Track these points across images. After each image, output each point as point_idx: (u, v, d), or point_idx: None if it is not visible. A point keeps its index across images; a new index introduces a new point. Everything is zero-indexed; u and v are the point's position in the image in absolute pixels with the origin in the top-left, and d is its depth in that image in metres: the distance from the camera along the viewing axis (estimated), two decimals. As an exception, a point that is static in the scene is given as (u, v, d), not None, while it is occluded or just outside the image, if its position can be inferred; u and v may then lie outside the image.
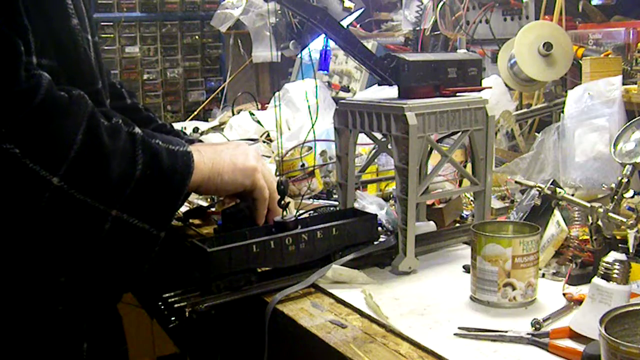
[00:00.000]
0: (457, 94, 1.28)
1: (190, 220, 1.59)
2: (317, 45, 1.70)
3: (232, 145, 1.25)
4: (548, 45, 1.75)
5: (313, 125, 1.45)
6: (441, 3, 2.29)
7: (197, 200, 1.67)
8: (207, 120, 3.00)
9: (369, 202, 1.43)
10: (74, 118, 0.90)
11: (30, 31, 0.91)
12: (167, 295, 1.10)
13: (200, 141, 1.52)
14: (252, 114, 2.36)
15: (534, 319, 0.97)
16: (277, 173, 1.27)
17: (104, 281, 1.01)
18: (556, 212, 1.22)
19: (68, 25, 0.99)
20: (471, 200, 1.50)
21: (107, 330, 1.11)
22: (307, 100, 1.51)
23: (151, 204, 0.98)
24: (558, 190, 1.24)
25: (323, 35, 1.34)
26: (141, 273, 1.01)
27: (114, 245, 0.96)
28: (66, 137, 0.88)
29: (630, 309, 0.78)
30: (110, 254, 0.97)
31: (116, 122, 0.96)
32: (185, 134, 1.82)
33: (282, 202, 1.24)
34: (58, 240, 0.92)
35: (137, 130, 0.99)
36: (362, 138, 1.39)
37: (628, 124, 1.23)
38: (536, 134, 1.82)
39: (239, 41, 3.33)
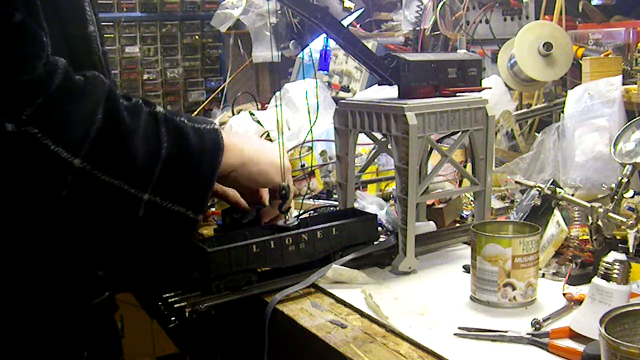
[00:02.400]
0: (457, 94, 1.28)
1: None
2: (317, 45, 1.70)
3: (259, 141, 1.22)
4: (548, 45, 1.75)
5: (312, 125, 1.45)
6: (441, 3, 2.28)
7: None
8: (207, 120, 2.99)
9: (369, 202, 1.43)
10: (92, 97, 0.88)
11: (48, 35, 0.91)
12: (167, 295, 1.10)
13: None
14: (252, 114, 2.36)
15: (534, 319, 0.97)
16: (282, 182, 1.26)
17: (144, 272, 0.99)
18: (556, 212, 1.22)
19: (85, 32, 0.99)
20: (471, 200, 1.50)
21: (106, 339, 1.10)
22: (307, 101, 1.50)
23: (184, 185, 0.95)
24: (558, 190, 1.24)
25: (323, 35, 1.35)
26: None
27: (150, 233, 0.93)
28: (85, 117, 0.86)
29: (630, 309, 0.78)
30: (147, 242, 0.94)
31: (136, 102, 0.94)
32: None
33: (284, 206, 1.24)
34: (91, 229, 0.90)
35: (159, 109, 0.97)
36: (362, 138, 1.39)
37: (628, 124, 1.23)
38: (536, 134, 1.82)
39: (239, 41, 3.33)
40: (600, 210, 1.13)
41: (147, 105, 0.96)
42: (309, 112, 1.39)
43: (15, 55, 0.83)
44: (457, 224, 1.47)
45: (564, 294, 1.07)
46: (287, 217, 1.24)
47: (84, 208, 0.88)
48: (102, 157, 0.87)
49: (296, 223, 1.22)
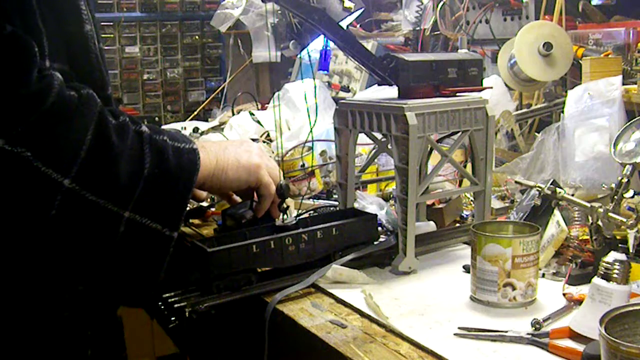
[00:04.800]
0: (457, 94, 1.28)
1: (190, 220, 1.59)
2: (317, 45, 1.70)
3: (236, 143, 1.25)
4: (548, 45, 1.75)
5: (312, 125, 1.45)
6: (441, 3, 2.29)
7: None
8: (207, 120, 3.00)
9: (369, 202, 1.43)
10: (84, 118, 0.90)
11: (44, 34, 0.91)
12: (167, 295, 1.10)
13: None
14: (252, 114, 2.36)
15: (534, 319, 0.97)
16: (281, 181, 1.27)
17: (121, 288, 1.00)
18: (556, 212, 1.22)
19: (81, 31, 0.99)
20: (471, 200, 1.50)
21: (109, 336, 1.11)
22: (306, 101, 1.51)
23: (161, 203, 0.97)
24: (558, 190, 1.24)
25: (323, 35, 1.34)
26: (157, 280, 1.00)
27: (129, 250, 0.95)
28: (76, 138, 0.88)
29: (630, 309, 0.78)
30: (127, 259, 0.96)
31: (123, 120, 0.96)
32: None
33: (282, 205, 1.24)
34: (74, 246, 0.92)
35: (144, 128, 0.99)
36: (362, 138, 1.39)
37: (628, 124, 1.23)
38: (536, 134, 1.82)
39: (239, 41, 3.33)
40: (600, 210, 1.13)
41: (134, 123, 0.98)
42: (308, 113, 1.39)
43: (6, 70, 0.83)
44: (457, 224, 1.47)
45: (564, 294, 1.07)
46: (286, 216, 1.24)
47: (70, 225, 0.90)
48: (90, 178, 0.89)
49: (294, 222, 1.22)
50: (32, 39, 0.88)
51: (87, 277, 0.96)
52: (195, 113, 3.20)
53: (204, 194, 1.43)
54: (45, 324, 0.96)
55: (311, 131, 1.47)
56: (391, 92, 1.28)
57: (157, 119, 3.32)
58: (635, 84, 1.57)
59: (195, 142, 1.08)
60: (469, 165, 1.45)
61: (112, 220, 0.92)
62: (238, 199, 1.34)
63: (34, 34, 0.89)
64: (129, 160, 0.94)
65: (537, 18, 1.99)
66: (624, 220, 1.10)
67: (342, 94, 2.54)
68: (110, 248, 0.93)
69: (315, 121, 1.45)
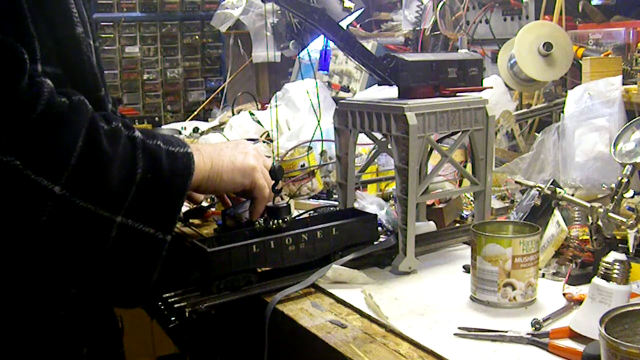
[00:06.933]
0: (457, 94, 1.28)
1: (190, 220, 1.59)
2: (317, 45, 1.70)
3: (232, 144, 1.25)
4: (548, 45, 1.75)
5: (319, 122, 1.45)
6: (441, 3, 2.29)
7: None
8: (207, 120, 3.00)
9: (369, 202, 1.43)
10: (74, 125, 0.90)
11: (36, 39, 0.91)
12: (167, 295, 1.10)
13: None
14: (252, 114, 2.36)
15: (534, 319, 0.97)
16: (273, 162, 1.28)
17: (114, 290, 1.01)
18: (556, 212, 1.22)
19: (73, 33, 0.99)
20: (471, 200, 1.50)
21: (106, 334, 1.11)
22: (310, 100, 1.51)
23: (154, 208, 0.98)
24: (558, 190, 1.24)
25: (323, 35, 1.35)
26: (150, 281, 1.00)
27: (122, 253, 0.95)
28: (66, 145, 0.88)
29: (630, 309, 0.78)
30: (119, 262, 0.96)
31: (116, 126, 0.96)
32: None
33: (276, 187, 1.24)
34: (66, 251, 0.92)
35: (137, 133, 0.99)
36: (362, 138, 1.39)
37: (628, 124, 1.23)
38: (536, 134, 1.83)
39: (239, 41, 3.33)
40: (600, 210, 1.13)
41: (127, 128, 0.98)
42: (314, 111, 1.39)
43: None
44: (457, 224, 1.47)
45: (564, 294, 1.07)
46: (279, 198, 1.24)
47: (61, 230, 0.90)
48: (81, 184, 0.89)
49: (286, 204, 1.22)
50: (24, 43, 0.88)
51: (79, 280, 0.96)
52: (195, 113, 3.20)
53: (200, 196, 1.43)
54: (41, 322, 0.97)
55: (319, 126, 1.46)
56: (391, 92, 1.28)
57: (157, 119, 3.33)
58: (635, 84, 1.57)
59: (190, 145, 1.08)
60: (469, 165, 1.45)
61: (104, 225, 0.92)
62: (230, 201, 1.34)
63: (25, 39, 0.89)
64: (120, 166, 0.94)
65: (537, 18, 1.99)
66: (624, 220, 1.10)
67: (342, 94, 2.54)
68: (102, 251, 0.94)
69: (319, 120, 1.45)
